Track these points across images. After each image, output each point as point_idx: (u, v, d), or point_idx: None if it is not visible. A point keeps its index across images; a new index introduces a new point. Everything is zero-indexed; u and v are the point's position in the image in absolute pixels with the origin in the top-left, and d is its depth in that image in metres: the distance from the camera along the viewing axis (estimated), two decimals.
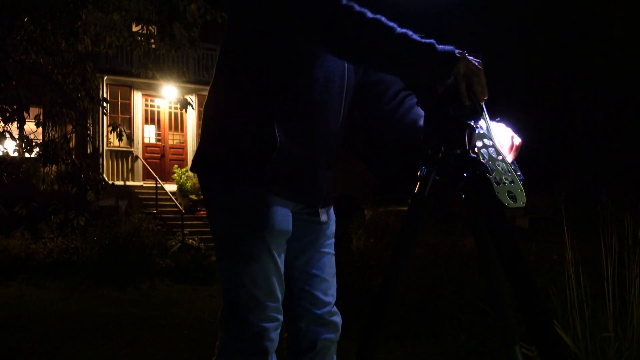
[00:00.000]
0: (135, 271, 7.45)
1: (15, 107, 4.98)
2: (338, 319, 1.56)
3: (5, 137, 5.03)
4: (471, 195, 1.27)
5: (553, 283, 2.93)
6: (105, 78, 11.87)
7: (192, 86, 12.27)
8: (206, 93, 1.51)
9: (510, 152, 1.35)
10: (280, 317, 1.42)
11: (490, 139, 1.28)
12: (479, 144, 1.28)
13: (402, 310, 3.80)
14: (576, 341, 2.56)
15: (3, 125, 5.01)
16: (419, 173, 1.33)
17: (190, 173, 11.96)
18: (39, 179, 5.82)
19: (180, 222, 9.98)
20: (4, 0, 5.04)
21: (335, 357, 1.58)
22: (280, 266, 1.42)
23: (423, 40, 1.24)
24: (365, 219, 7.33)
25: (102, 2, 5.23)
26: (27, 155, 5.31)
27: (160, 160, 13.10)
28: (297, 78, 1.41)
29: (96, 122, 11.93)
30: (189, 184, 12.06)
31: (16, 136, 5.22)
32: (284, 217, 1.41)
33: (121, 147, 12.15)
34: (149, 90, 12.84)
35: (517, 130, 1.39)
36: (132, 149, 12.53)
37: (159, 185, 11.41)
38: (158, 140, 13.31)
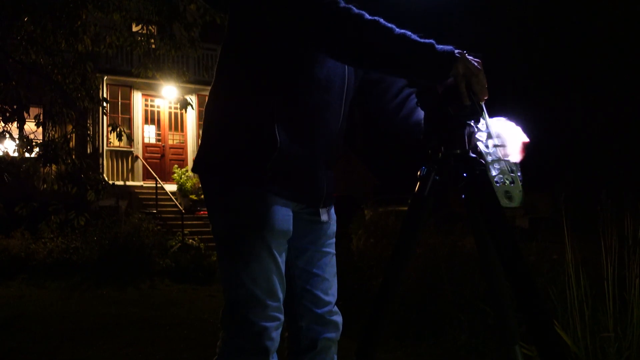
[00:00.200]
0: (135, 271, 7.45)
1: (15, 107, 4.97)
2: (339, 318, 1.56)
3: (5, 137, 5.03)
4: (471, 195, 1.27)
5: (553, 283, 2.92)
6: (105, 78, 11.87)
7: (192, 86, 12.27)
8: (206, 93, 1.51)
9: (518, 152, 1.34)
10: (281, 316, 1.42)
11: (494, 137, 1.28)
12: (482, 145, 1.28)
13: (402, 310, 3.80)
14: (576, 341, 2.56)
15: (3, 125, 5.01)
16: (419, 173, 1.33)
17: (190, 173, 11.97)
18: (39, 179, 5.81)
19: (180, 222, 9.98)
20: (4, 0, 5.04)
21: (335, 356, 1.58)
22: (281, 266, 1.42)
23: (422, 40, 1.24)
24: (365, 219, 7.33)
25: (102, 2, 5.23)
26: (27, 155, 5.31)
27: (160, 160, 13.10)
28: (298, 78, 1.41)
29: (96, 122, 11.93)
30: (189, 184, 12.05)
31: (16, 136, 5.21)
32: (284, 217, 1.41)
33: (121, 147, 12.14)
34: (149, 90, 12.84)
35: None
36: (132, 149, 12.53)
37: (159, 185, 11.41)
38: (158, 140, 13.31)
